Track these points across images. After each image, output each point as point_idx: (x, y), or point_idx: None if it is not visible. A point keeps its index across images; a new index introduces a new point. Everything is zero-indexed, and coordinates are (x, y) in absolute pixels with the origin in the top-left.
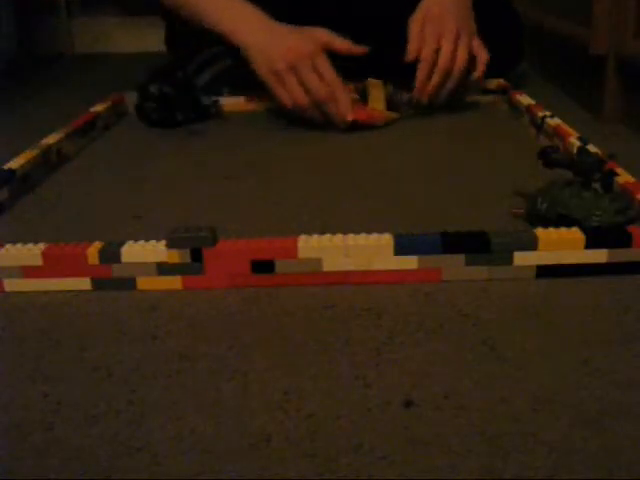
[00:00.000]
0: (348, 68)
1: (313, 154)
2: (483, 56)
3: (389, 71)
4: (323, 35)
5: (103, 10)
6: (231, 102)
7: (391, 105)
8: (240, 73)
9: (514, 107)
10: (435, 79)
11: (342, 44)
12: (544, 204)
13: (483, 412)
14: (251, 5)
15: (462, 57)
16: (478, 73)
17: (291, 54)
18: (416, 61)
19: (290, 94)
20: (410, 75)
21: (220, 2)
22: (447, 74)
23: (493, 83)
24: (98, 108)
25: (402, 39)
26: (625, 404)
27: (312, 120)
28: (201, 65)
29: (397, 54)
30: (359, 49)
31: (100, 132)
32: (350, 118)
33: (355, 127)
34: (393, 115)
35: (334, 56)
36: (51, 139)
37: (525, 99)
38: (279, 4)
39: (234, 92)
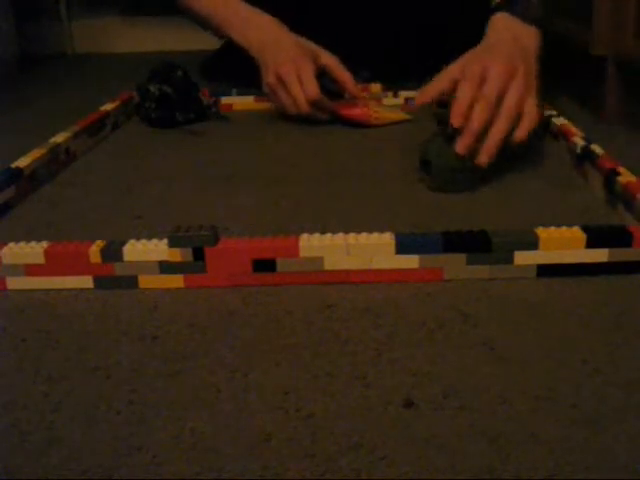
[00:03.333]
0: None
1: (314, 154)
2: (533, 114)
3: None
4: (328, 58)
5: (103, 10)
6: (240, 101)
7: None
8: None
9: None
10: (478, 113)
11: (341, 73)
12: (421, 152)
13: (483, 412)
14: (260, 12)
15: (513, 96)
16: (521, 131)
17: (281, 69)
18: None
19: (283, 105)
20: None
21: (229, 10)
22: (491, 114)
23: None
24: (107, 107)
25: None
26: (625, 404)
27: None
28: None
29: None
30: (354, 88)
31: (109, 131)
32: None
33: (351, 124)
34: (403, 116)
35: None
36: (60, 138)
37: None
38: (284, 13)
39: (243, 92)
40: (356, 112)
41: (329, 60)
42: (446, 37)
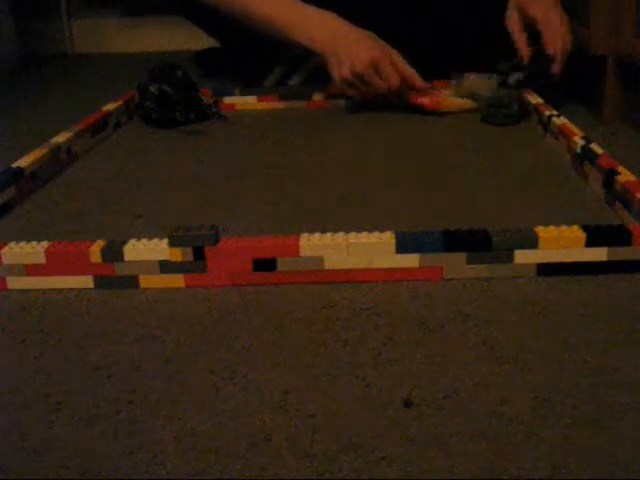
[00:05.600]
0: None
1: (314, 154)
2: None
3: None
4: (393, 52)
5: (103, 10)
6: (243, 101)
7: (473, 94)
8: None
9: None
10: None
11: (405, 68)
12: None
13: (483, 412)
14: (321, 10)
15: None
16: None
17: (359, 64)
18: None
19: (359, 95)
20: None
21: (292, 11)
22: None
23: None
24: (109, 107)
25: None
26: (625, 404)
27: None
28: (289, 69)
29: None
30: (421, 83)
31: (111, 131)
32: (420, 102)
33: (424, 112)
34: (468, 104)
35: None
36: (60, 138)
37: (534, 98)
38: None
39: (246, 91)
40: (424, 100)
41: (394, 53)
42: (461, 38)
